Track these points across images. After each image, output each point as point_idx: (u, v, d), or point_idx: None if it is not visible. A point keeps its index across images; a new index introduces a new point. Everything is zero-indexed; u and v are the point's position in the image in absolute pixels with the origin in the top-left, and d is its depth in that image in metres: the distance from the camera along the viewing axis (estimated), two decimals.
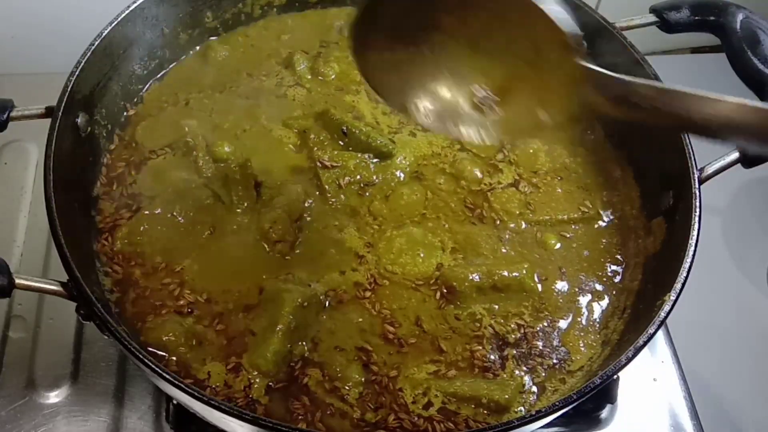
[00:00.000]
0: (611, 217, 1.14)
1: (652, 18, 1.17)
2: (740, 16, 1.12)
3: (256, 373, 0.96)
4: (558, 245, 1.10)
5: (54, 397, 1.10)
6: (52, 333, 1.15)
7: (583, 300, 1.06)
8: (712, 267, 1.34)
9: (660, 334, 1.22)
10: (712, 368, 1.25)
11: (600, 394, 1.06)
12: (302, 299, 0.98)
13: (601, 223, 1.14)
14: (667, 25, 1.16)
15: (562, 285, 1.07)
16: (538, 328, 1.03)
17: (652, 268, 1.06)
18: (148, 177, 1.13)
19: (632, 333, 0.96)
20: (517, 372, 0.99)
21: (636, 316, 1.02)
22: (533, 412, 0.84)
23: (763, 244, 1.44)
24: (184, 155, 1.14)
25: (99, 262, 1.04)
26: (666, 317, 0.91)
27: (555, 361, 1.01)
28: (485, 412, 0.96)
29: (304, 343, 0.98)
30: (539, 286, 1.06)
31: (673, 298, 0.92)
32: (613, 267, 1.10)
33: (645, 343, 0.89)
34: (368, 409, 0.95)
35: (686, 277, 0.94)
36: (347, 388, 0.96)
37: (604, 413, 1.13)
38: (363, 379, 0.97)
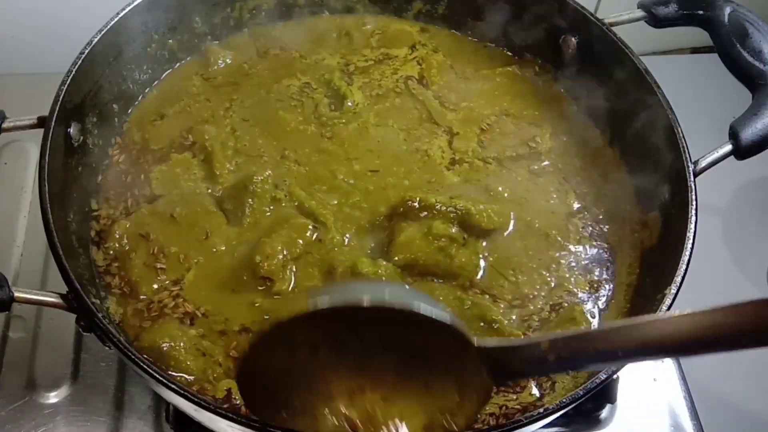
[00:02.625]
0: (607, 212, 1.14)
1: (641, 13, 1.16)
2: (728, 10, 1.12)
3: None
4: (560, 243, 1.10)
5: (54, 397, 1.10)
6: (52, 333, 1.16)
7: (584, 296, 1.06)
8: (712, 267, 1.34)
9: None
10: (712, 368, 1.24)
11: (600, 394, 1.05)
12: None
13: (597, 218, 1.13)
14: (655, 20, 1.15)
15: (563, 281, 1.07)
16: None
17: (650, 262, 1.06)
18: (146, 184, 1.11)
19: None
20: None
21: (636, 311, 1.02)
22: (535, 413, 0.84)
23: (763, 244, 1.43)
24: (202, 162, 1.13)
25: (97, 270, 1.04)
26: (667, 311, 0.91)
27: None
28: None
29: None
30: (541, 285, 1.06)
31: (674, 291, 0.92)
32: (611, 261, 1.10)
33: None
34: None
35: (686, 270, 0.94)
36: None
37: (604, 413, 1.13)
38: None
